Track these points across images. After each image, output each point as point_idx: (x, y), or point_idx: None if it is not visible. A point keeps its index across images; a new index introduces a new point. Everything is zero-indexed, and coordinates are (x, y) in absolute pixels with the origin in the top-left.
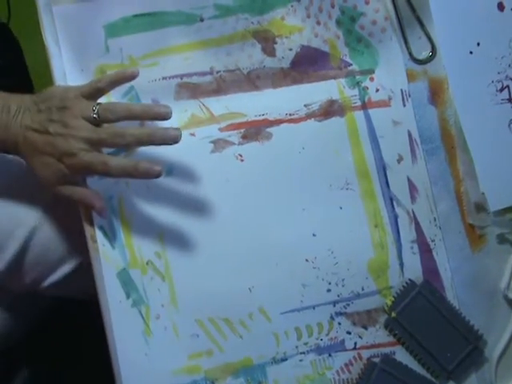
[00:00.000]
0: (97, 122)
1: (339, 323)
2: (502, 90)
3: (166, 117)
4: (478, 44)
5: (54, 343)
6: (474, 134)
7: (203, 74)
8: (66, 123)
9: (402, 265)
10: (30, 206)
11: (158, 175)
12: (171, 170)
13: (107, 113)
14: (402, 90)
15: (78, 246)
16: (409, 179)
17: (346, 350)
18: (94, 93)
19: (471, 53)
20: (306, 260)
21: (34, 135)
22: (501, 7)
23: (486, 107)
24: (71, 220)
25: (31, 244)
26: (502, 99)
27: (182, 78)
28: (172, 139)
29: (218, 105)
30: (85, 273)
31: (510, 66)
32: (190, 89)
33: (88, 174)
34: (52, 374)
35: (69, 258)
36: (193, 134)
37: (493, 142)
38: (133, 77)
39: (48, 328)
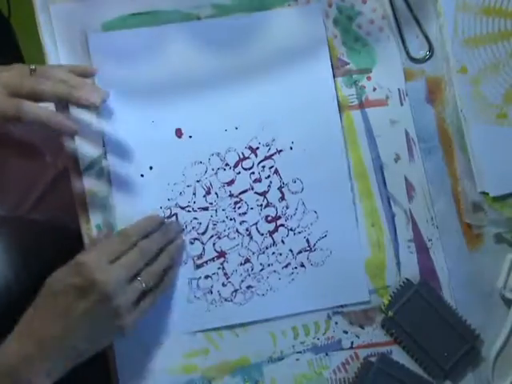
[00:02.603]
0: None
1: (336, 322)
2: (169, 217)
3: (70, 135)
4: (151, 168)
5: None
6: None
7: None
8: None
9: (398, 264)
10: None
11: (73, 134)
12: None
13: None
14: (399, 89)
15: (54, 155)
16: (406, 178)
17: (343, 350)
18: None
19: (142, 176)
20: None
21: None
22: (178, 133)
23: None
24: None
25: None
26: None
27: None
28: (92, 103)
29: None
30: (64, 187)
31: (181, 193)
32: None
33: None
34: None
35: (46, 170)
36: None
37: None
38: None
39: None
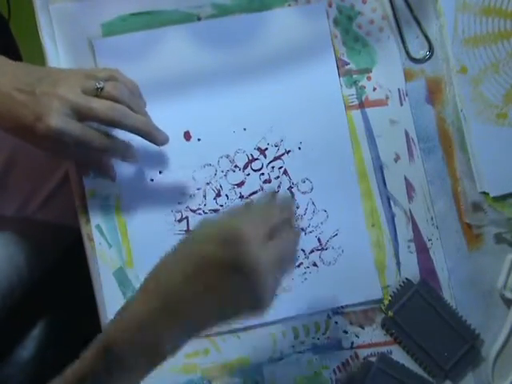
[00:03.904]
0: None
1: (336, 322)
2: (180, 220)
3: (161, 143)
4: (160, 172)
5: (51, 344)
6: None
7: None
8: (57, 83)
9: (398, 264)
10: None
11: (164, 142)
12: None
13: (114, 88)
14: (399, 89)
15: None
16: (406, 178)
17: (343, 350)
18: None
19: (152, 180)
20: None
21: (18, 95)
22: (187, 136)
23: (162, 237)
24: None
25: (16, 161)
26: (180, 230)
27: None
28: (161, 141)
29: None
30: (68, 189)
31: (191, 196)
32: None
33: (57, 148)
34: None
35: (53, 171)
36: None
37: None
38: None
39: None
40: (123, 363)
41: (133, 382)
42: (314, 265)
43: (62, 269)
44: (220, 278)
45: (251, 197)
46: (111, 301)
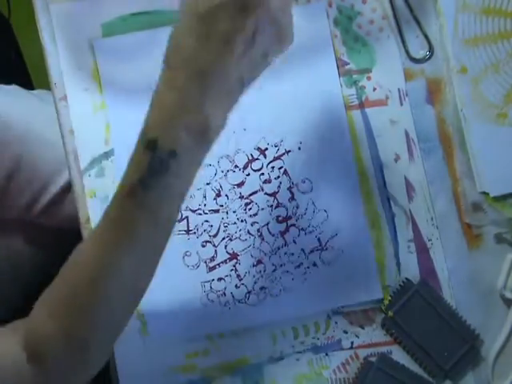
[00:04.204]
0: None
1: (336, 322)
2: (180, 220)
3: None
4: None
5: None
6: None
7: None
8: None
9: (398, 264)
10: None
11: None
12: None
13: None
14: (399, 89)
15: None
16: (406, 178)
17: (343, 349)
18: None
19: None
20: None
21: None
22: None
23: None
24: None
25: (21, 163)
26: (180, 230)
27: None
28: None
29: None
30: (71, 194)
31: (191, 196)
32: None
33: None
34: None
35: (57, 177)
36: None
37: None
38: None
39: None
40: (172, 156)
41: (188, 177)
42: (314, 265)
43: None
44: (232, 21)
45: (251, 197)
46: None
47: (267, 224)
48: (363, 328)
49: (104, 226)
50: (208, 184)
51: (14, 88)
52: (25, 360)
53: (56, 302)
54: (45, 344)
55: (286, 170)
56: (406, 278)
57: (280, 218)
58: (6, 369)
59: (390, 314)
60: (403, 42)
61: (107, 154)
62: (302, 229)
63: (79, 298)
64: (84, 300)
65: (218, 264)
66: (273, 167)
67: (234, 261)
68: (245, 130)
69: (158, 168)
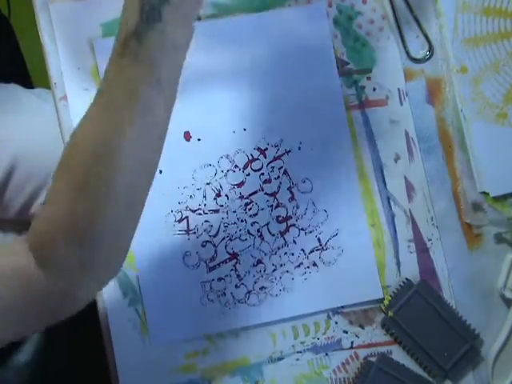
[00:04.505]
0: None
1: (336, 322)
2: (180, 220)
3: None
4: (161, 172)
5: (48, 348)
6: None
7: None
8: None
9: (398, 264)
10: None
11: None
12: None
13: None
14: (399, 89)
15: None
16: (406, 178)
17: (343, 349)
18: None
19: None
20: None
21: None
22: (187, 136)
23: (162, 237)
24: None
25: (17, 165)
26: (180, 230)
27: None
28: None
29: None
30: None
31: (191, 196)
32: None
33: None
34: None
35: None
36: None
37: None
38: None
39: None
40: (164, 1)
41: (182, 29)
42: (314, 265)
43: None
44: None
45: (251, 197)
46: (111, 302)
47: (267, 224)
48: (363, 328)
49: (102, 92)
50: (208, 184)
51: (12, 86)
52: (33, 267)
53: (53, 186)
54: (48, 237)
55: (285, 170)
56: (406, 278)
57: (280, 218)
58: (15, 278)
59: (390, 313)
60: (403, 42)
61: None
62: (302, 229)
63: (82, 179)
64: (87, 181)
65: (218, 264)
66: (273, 167)
67: (234, 261)
68: (245, 130)
69: (150, 15)
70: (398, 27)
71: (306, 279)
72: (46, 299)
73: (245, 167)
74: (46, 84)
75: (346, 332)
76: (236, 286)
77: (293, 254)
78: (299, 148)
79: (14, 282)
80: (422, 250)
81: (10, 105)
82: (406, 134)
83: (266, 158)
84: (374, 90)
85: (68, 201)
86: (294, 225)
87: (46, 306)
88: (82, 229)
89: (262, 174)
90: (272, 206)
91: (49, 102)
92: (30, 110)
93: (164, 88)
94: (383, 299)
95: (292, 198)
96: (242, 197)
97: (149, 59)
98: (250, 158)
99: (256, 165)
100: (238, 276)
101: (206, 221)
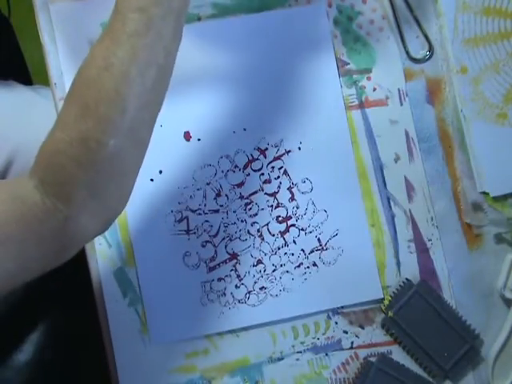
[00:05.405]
0: None
1: (336, 322)
2: (180, 220)
3: None
4: (161, 172)
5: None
6: None
7: None
8: None
9: (398, 264)
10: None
11: None
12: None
13: None
14: (399, 89)
15: None
16: (406, 178)
17: (343, 350)
18: None
19: (152, 180)
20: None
21: None
22: (187, 136)
23: (162, 237)
24: None
25: (15, 160)
26: (180, 230)
27: None
28: None
29: None
30: None
31: (191, 196)
32: None
33: None
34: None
35: None
36: None
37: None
38: None
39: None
40: None
41: None
42: (314, 265)
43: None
44: None
45: (251, 197)
46: (111, 301)
47: (267, 224)
48: (363, 328)
49: (112, 18)
50: (208, 184)
51: (11, 83)
52: (34, 192)
53: (64, 112)
54: (57, 157)
55: (285, 170)
56: (406, 278)
57: (280, 218)
58: (16, 207)
59: (390, 314)
60: (403, 41)
61: None
62: (302, 229)
63: (89, 94)
64: (95, 95)
65: (218, 264)
66: (273, 167)
67: (234, 261)
68: (245, 130)
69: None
70: (398, 27)
71: (306, 279)
72: (46, 226)
73: (245, 167)
74: (46, 84)
75: (346, 332)
76: (236, 286)
77: (293, 254)
78: (299, 148)
79: (9, 205)
80: (422, 250)
81: (8, 100)
82: (406, 134)
83: (265, 158)
84: (374, 90)
85: (79, 123)
86: (294, 225)
87: (45, 235)
88: (91, 150)
89: (262, 174)
90: (272, 206)
91: (47, 98)
92: (28, 106)
93: (174, 18)
94: (383, 299)
95: (292, 198)
96: (241, 197)
97: None
98: (250, 158)
99: (256, 165)
100: (238, 276)
101: (206, 221)
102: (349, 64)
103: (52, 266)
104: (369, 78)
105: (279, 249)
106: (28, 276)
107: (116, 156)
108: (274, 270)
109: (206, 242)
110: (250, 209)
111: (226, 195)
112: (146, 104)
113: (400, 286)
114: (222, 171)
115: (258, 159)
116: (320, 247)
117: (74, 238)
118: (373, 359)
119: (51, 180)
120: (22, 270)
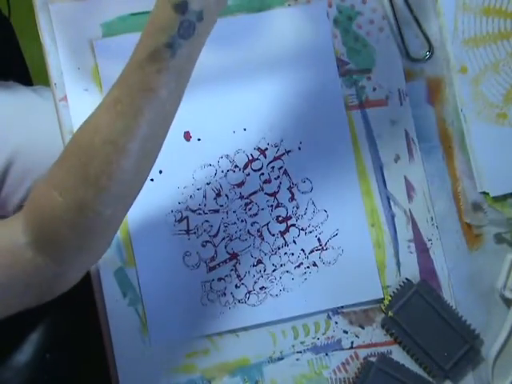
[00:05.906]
0: None
1: (336, 322)
2: (180, 220)
3: None
4: (161, 172)
5: (48, 348)
6: None
7: None
8: None
9: (398, 264)
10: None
11: None
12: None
13: None
14: (399, 89)
15: None
16: (406, 178)
17: (343, 349)
18: None
19: (152, 180)
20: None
21: None
22: (187, 136)
23: (162, 237)
24: (53, 142)
25: (15, 161)
26: (180, 230)
27: None
28: None
29: None
30: None
31: (191, 196)
32: None
33: None
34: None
35: None
36: None
37: None
38: None
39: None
40: (199, 18)
41: (204, 41)
42: (314, 265)
43: None
44: None
45: (251, 197)
46: (111, 301)
47: (267, 224)
48: (363, 328)
49: (120, 92)
50: (208, 184)
51: (12, 84)
52: (26, 247)
53: (64, 175)
54: (53, 221)
55: (285, 170)
56: (406, 278)
57: (280, 218)
58: (7, 259)
59: (390, 314)
60: (403, 41)
61: None
62: (302, 229)
63: (92, 165)
64: (98, 167)
65: (218, 264)
66: (273, 167)
67: (234, 261)
68: (245, 130)
69: (187, 30)
70: (398, 27)
71: (306, 279)
72: (34, 279)
73: (245, 167)
74: (46, 84)
75: (345, 332)
76: (236, 286)
77: (293, 254)
78: (299, 148)
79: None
80: (422, 250)
81: (8, 101)
82: (406, 134)
83: (265, 158)
84: (374, 90)
85: (79, 191)
86: (294, 225)
87: (32, 284)
88: (88, 218)
89: (262, 173)
90: (272, 205)
91: (47, 98)
92: (29, 107)
93: (182, 89)
94: (383, 299)
95: (292, 198)
96: (242, 197)
97: (176, 69)
98: (250, 157)
99: (256, 165)
100: (238, 276)
101: (206, 221)
102: (349, 64)
103: (33, 306)
104: (369, 78)
105: (279, 249)
106: (8, 312)
107: (110, 222)
108: (273, 270)
109: (206, 241)
110: (250, 209)
111: (226, 195)
112: (141, 171)
113: (400, 285)
114: (222, 171)
115: (257, 159)
116: (320, 247)
117: (60, 288)
118: (373, 359)
119: (45, 241)
120: (3, 307)
